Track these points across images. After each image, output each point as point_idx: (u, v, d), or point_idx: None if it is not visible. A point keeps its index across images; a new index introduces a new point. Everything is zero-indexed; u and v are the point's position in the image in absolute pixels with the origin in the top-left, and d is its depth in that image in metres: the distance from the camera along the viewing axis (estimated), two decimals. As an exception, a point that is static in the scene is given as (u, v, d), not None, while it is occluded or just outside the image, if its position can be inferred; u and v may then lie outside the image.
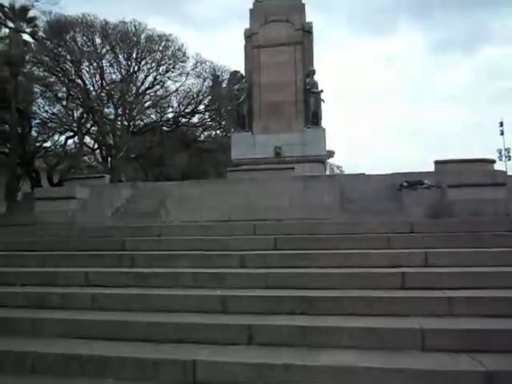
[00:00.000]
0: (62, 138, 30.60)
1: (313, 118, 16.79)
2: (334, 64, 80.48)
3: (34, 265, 7.66)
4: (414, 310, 5.27)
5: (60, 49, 28.29)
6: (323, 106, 17.14)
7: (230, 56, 71.33)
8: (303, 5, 17.90)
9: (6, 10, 28.30)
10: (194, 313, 5.60)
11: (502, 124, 37.67)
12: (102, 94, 29.96)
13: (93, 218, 11.74)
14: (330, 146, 17.40)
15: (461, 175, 10.62)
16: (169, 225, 9.71)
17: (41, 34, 29.51)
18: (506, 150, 37.45)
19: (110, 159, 30.57)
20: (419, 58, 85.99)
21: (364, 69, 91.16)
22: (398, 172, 12.51)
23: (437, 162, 13.18)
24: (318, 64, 17.69)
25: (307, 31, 17.57)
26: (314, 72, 17.13)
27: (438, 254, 6.67)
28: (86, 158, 33.13)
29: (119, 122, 30.38)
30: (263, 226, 8.44)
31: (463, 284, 5.77)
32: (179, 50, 30.72)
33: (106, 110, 30.55)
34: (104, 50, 29.72)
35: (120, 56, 30.02)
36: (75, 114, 30.10)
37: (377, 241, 7.34)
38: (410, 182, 11.69)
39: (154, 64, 30.53)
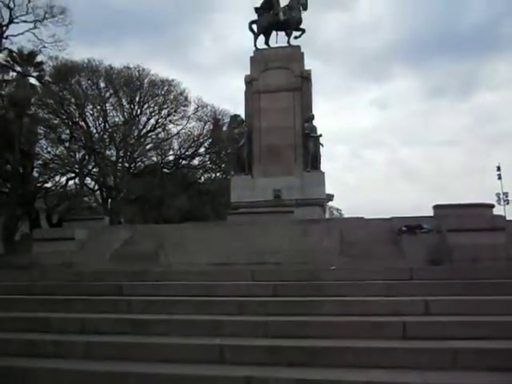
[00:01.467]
0: (63, 179, 30.75)
1: (312, 161, 16.90)
2: (332, 108, 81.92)
3: (29, 310, 7.49)
4: (416, 362, 5.11)
5: (65, 92, 28.84)
6: (322, 150, 17.36)
7: (231, 100, 72.99)
8: (302, 53, 18.35)
9: (15, 54, 29.05)
10: (191, 363, 5.42)
11: (499, 168, 37.88)
12: (105, 137, 30.32)
13: (91, 260, 11.63)
14: (329, 189, 17.45)
15: (460, 220, 10.59)
16: (166, 270, 9.57)
17: (47, 77, 30.17)
18: (504, 194, 37.50)
19: (109, 200, 30.57)
20: (415, 102, 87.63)
21: (361, 113, 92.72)
22: (397, 216, 12.49)
23: (436, 207, 13.17)
24: (316, 109, 18.04)
25: (306, 78, 17.95)
26: (312, 117, 17.37)
27: (438, 302, 6.53)
28: (86, 198, 33.14)
29: (120, 164, 30.57)
30: (262, 272, 8.31)
31: (465, 334, 5.61)
32: (181, 94, 31.36)
33: (108, 152, 30.82)
34: (108, 94, 30.31)
35: (123, 99, 30.61)
36: (77, 156, 30.35)
37: (377, 288, 7.21)
38: (409, 227, 11.65)
39: (156, 107, 31.06)
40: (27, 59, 29.77)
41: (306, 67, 18.20)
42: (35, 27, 26.40)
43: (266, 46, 19.00)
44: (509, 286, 7.04)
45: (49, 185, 31.48)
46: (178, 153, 33.01)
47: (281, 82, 17.76)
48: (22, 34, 26.39)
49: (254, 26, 18.90)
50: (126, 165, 30.84)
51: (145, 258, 11.38)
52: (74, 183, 31.43)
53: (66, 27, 26.72)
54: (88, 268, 10.60)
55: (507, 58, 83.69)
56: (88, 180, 32.08)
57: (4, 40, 26.47)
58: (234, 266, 9.77)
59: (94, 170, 31.27)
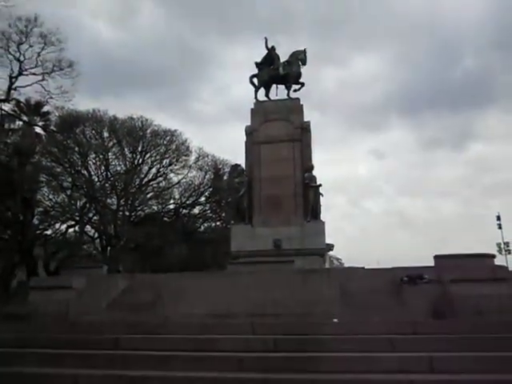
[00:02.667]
0: (63, 226, 30.60)
1: (312, 211, 16.83)
2: (331, 158, 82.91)
3: (21, 364, 7.19)
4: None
5: (69, 141, 29.21)
6: (322, 200, 17.30)
7: (231, 150, 74.12)
8: (301, 105, 18.67)
9: (22, 105, 29.66)
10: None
11: (499, 218, 37.70)
12: (106, 185, 30.44)
13: (88, 310, 11.34)
14: (328, 238, 17.26)
15: (462, 270, 10.42)
16: (164, 322, 9.29)
17: (52, 127, 30.67)
18: (505, 243, 37.13)
19: (109, 248, 30.30)
20: (411, 153, 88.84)
21: (359, 163, 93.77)
22: (398, 266, 12.27)
23: (436, 257, 12.98)
24: (315, 159, 18.15)
25: (305, 129, 18.16)
26: (312, 167, 17.46)
27: (443, 358, 6.29)
28: (85, 246, 32.87)
29: (121, 212, 30.54)
30: (262, 325, 8.06)
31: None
32: (183, 144, 31.78)
33: (109, 200, 30.86)
34: (111, 143, 30.71)
35: (126, 149, 30.97)
36: (78, 204, 30.34)
37: (380, 343, 6.97)
38: (411, 277, 11.42)
39: (158, 157, 31.39)
40: (34, 109, 30.43)
41: (306, 119, 18.47)
42: (43, 79, 27.07)
43: (266, 99, 19.37)
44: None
45: (48, 232, 31.34)
46: (179, 202, 33.07)
47: (281, 133, 17.98)
48: (31, 85, 27.04)
49: (255, 80, 19.35)
50: (127, 213, 30.81)
51: (143, 308, 11.10)
52: (74, 231, 31.27)
53: (73, 79, 27.35)
54: (85, 318, 10.30)
55: (499, 109, 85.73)
56: (88, 228, 31.96)
57: (13, 91, 27.08)
58: (234, 318, 9.50)
59: (95, 217, 31.19)
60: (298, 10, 78.86)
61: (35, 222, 30.41)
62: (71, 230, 30.98)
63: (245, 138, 18.55)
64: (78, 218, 29.69)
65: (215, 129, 77.46)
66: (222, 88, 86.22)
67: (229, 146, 71.49)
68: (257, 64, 19.51)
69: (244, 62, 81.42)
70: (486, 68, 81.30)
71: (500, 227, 37.40)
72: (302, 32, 73.62)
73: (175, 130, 31.79)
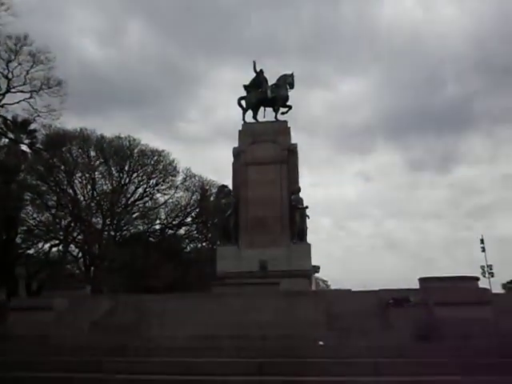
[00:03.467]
0: (47, 245, 30.14)
1: (298, 233, 16.83)
2: (317, 180, 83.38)
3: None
4: None
5: (55, 159, 28.96)
6: (308, 222, 17.31)
7: (218, 171, 74.15)
8: (288, 128, 18.83)
9: (9, 122, 29.42)
10: None
11: (482, 241, 37.99)
12: (92, 204, 30.16)
13: (70, 331, 11.07)
14: (315, 260, 17.22)
15: (447, 293, 10.44)
16: (147, 345, 9.10)
17: (39, 145, 30.44)
18: (488, 266, 37.38)
19: (92, 269, 29.84)
20: (397, 175, 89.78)
21: (346, 185, 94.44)
22: (385, 289, 12.26)
23: (421, 279, 13.02)
24: (302, 181, 18.23)
25: (292, 151, 18.28)
26: (299, 189, 17.52)
27: (427, 382, 6.24)
28: (68, 266, 32.34)
29: (106, 232, 30.21)
30: (248, 348, 7.95)
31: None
32: (170, 164, 31.77)
33: (94, 220, 30.53)
34: (98, 162, 30.57)
35: (113, 168, 30.84)
36: (63, 223, 29.95)
37: (365, 366, 6.90)
38: (397, 300, 11.41)
39: (144, 177, 31.31)
40: (20, 127, 30.19)
41: (293, 141, 18.62)
42: (31, 97, 26.96)
43: (254, 120, 19.50)
44: (499, 367, 6.80)
45: (31, 251, 30.80)
46: (165, 222, 32.91)
47: (268, 154, 18.07)
48: (18, 103, 26.91)
49: (243, 102, 19.52)
50: (112, 233, 30.49)
51: (126, 329, 10.88)
52: (58, 250, 30.80)
53: (61, 98, 27.27)
54: (66, 341, 10.06)
55: (481, 133, 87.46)
56: (72, 247, 31.51)
57: (0, 108, 26.89)
58: (219, 340, 9.35)
59: (79, 237, 30.79)
60: (285, 33, 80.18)
61: (18, 240, 29.90)
62: (54, 249, 30.53)
63: (232, 159, 18.61)
64: (61, 238, 29.27)
65: (203, 149, 77.57)
66: (210, 108, 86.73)
67: (216, 166, 71.57)
68: (245, 86, 19.71)
69: (231, 83, 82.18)
70: (468, 92, 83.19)
71: (483, 250, 37.72)
72: (289, 55, 74.58)
73: (162, 150, 31.84)
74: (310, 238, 17.09)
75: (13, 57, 25.93)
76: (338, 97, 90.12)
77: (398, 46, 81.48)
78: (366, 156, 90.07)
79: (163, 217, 33.07)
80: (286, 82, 19.29)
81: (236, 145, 18.66)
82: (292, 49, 78.50)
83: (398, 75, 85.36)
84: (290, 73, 19.44)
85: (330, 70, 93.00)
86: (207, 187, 33.47)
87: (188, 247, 35.17)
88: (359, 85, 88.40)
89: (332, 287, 45.31)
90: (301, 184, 17.84)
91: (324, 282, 45.80)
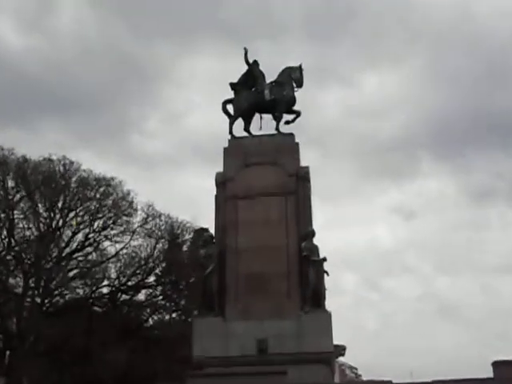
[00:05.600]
0: None
1: (313, 297, 16.74)
2: (336, 217, 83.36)
3: None
4: None
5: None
6: (327, 280, 17.26)
7: (194, 207, 73.56)
8: (296, 144, 19.01)
9: None
10: None
11: None
12: (8, 258, 30.00)
13: None
14: (337, 336, 17.09)
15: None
16: None
17: None
18: None
19: (8, 353, 29.45)
20: (452, 210, 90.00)
21: (377, 224, 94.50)
22: (442, 380, 12.23)
23: (496, 363, 13.01)
24: (317, 220, 18.26)
25: (302, 178, 18.38)
26: (312, 233, 17.53)
27: None
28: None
29: (29, 298, 29.95)
30: None
31: None
32: (124, 198, 31.86)
33: (12, 281, 30.35)
34: (18, 196, 30.60)
35: (40, 205, 30.88)
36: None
37: None
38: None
39: (86, 217, 31.34)
40: None
41: (303, 162, 18.82)
42: None
43: (246, 134, 19.73)
44: None
45: None
46: (116, 283, 32.77)
47: (267, 183, 18.13)
48: None
49: (230, 107, 19.74)
50: (38, 299, 30.20)
51: None
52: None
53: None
54: None
55: None
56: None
57: None
58: None
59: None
60: (284, 7, 79.52)
61: None
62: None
63: (215, 191, 18.71)
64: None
65: (170, 175, 77.87)
66: (178, 115, 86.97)
67: (190, 201, 71.22)
68: (233, 85, 19.95)
69: (209, 78, 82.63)
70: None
71: None
72: (291, 39, 75.68)
73: (112, 178, 32.04)
74: (329, 304, 17.06)
75: None
76: (362, 97, 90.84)
77: (444, 25, 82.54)
78: (404, 182, 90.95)
79: (114, 275, 33.03)
80: (292, 77, 19.59)
81: (220, 169, 18.81)
82: (295, 30, 79.51)
83: (445, 66, 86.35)
84: (296, 65, 19.77)
85: (350, 59, 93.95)
86: (178, 231, 33.46)
87: (151, 320, 34.91)
88: (391, 80, 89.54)
89: (364, 377, 44.88)
90: (315, 225, 17.96)
91: (352, 369, 45.44)
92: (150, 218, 32.76)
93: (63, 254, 31.24)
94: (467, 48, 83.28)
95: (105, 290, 33.16)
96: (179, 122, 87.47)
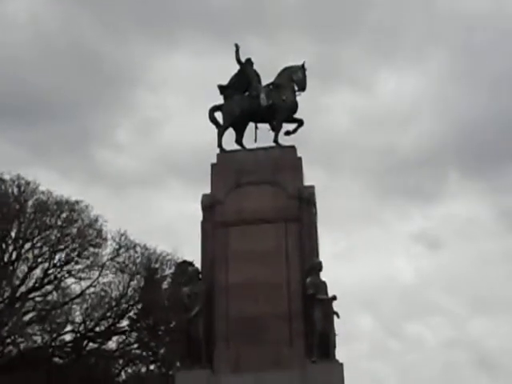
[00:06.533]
0: None
1: (320, 344, 16.52)
2: (347, 246, 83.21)
3: None
4: None
5: None
6: (337, 323, 17.10)
7: (175, 236, 73.31)
8: (299, 159, 18.98)
9: None
10: None
11: None
12: None
13: None
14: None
15: None
16: None
17: None
18: None
19: None
20: (488, 237, 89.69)
21: (396, 255, 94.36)
22: None
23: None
24: (324, 250, 18.16)
25: (306, 200, 18.29)
26: (319, 266, 17.38)
27: None
28: None
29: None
30: None
31: None
32: (91, 226, 31.79)
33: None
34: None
35: (-14, 235, 30.71)
36: None
37: None
38: None
39: (45, 249, 31.14)
40: None
41: (307, 181, 18.82)
42: None
43: (238, 147, 19.74)
44: None
45: None
46: (82, 328, 32.59)
47: (264, 206, 18.04)
48: None
49: (219, 115, 19.73)
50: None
51: None
52: None
53: None
54: None
55: None
56: None
57: None
58: None
59: None
60: None
61: None
62: None
63: (201, 216, 18.63)
64: None
65: (145, 197, 77.22)
66: (151, 125, 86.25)
67: (170, 228, 70.90)
68: (222, 89, 19.97)
69: (191, 78, 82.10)
70: None
71: None
72: (290, 32, 75.52)
73: (77, 202, 31.97)
74: (340, 353, 16.86)
75: None
76: (376, 103, 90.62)
77: (475, 16, 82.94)
78: (428, 205, 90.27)
79: (79, 319, 32.91)
80: (293, 79, 19.63)
81: (206, 189, 18.77)
82: (295, 21, 79.47)
83: (477, 65, 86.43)
84: (297, 64, 19.81)
85: (362, 57, 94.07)
86: (156, 265, 33.36)
87: (124, 373, 34.73)
88: (411, 82, 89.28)
89: None
90: (322, 256, 17.97)
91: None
92: (123, 250, 32.72)
93: (17, 294, 30.97)
94: (504, 44, 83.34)
95: (68, 337, 33.03)
96: (155, 132, 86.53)
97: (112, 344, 33.55)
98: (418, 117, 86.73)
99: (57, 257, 31.49)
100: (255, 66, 20.06)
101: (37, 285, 31.61)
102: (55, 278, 31.90)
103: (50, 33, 77.01)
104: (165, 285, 33.35)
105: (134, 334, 33.40)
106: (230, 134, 19.66)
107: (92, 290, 32.45)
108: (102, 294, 32.49)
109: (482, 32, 79.61)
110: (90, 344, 33.12)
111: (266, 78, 19.89)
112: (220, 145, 19.41)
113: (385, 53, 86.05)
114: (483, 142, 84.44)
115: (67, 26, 78.28)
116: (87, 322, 32.50)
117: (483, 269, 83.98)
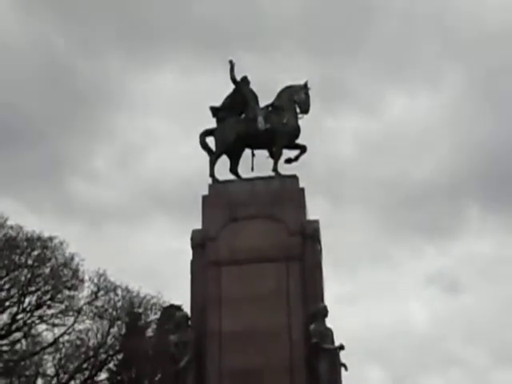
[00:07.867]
0: None
1: (327, 400, 16.52)
2: (359, 291, 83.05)
3: None
4: None
5: None
6: (345, 375, 17.12)
7: (160, 277, 73.05)
8: (301, 190, 19.03)
9: None
10: None
11: None
12: None
13: None
14: None
15: None
16: None
17: None
18: None
19: None
20: (508, 278, 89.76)
21: (411, 299, 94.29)
22: None
23: None
24: (330, 293, 18.11)
25: (310, 236, 18.31)
26: (324, 312, 17.36)
27: None
28: None
29: None
30: None
31: None
32: (65, 265, 31.75)
33: None
34: None
35: None
36: None
37: None
38: None
39: (14, 291, 31.04)
40: None
41: (310, 214, 18.90)
42: None
43: (233, 176, 19.79)
44: None
45: None
46: (55, 382, 32.38)
47: (262, 243, 18.02)
48: None
49: (211, 141, 19.78)
50: None
51: None
52: None
53: None
54: None
55: None
56: None
57: None
58: None
59: None
60: (277, 5, 79.10)
61: None
62: None
63: (190, 254, 18.62)
64: None
65: (125, 233, 76.99)
66: (132, 151, 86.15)
67: (155, 269, 70.69)
68: (214, 111, 20.05)
69: (174, 101, 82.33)
70: None
71: None
72: (289, 48, 75.85)
73: (50, 238, 31.92)
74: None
75: None
76: (386, 127, 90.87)
77: (494, 32, 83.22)
78: (445, 242, 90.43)
79: (51, 371, 32.66)
80: (295, 100, 19.67)
81: (197, 225, 18.74)
82: (295, 36, 79.78)
83: (498, 84, 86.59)
84: (300, 83, 19.89)
85: (370, 76, 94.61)
86: (140, 310, 33.26)
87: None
88: (425, 104, 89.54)
89: None
90: (327, 300, 18.04)
91: None
92: (102, 292, 32.69)
93: (-18, 343, 30.85)
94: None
95: (39, 392, 32.66)
96: (136, 160, 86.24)
97: (89, 400, 33.36)
98: (433, 143, 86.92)
99: (27, 300, 31.44)
100: (251, 85, 20.12)
101: (3, 332, 31.45)
102: (25, 324, 31.79)
103: (18, 50, 77.29)
104: (149, 332, 33.27)
105: (115, 388, 33.26)
106: (224, 162, 19.68)
107: (66, 337, 32.43)
108: (78, 342, 32.40)
109: (500, 48, 79.96)
110: (64, 400, 32.92)
111: (265, 99, 19.98)
112: (212, 174, 19.47)
113: (393, 71, 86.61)
114: (508, 170, 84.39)
115: (37, 41, 78.60)
116: (61, 375, 32.34)
117: (507, 315, 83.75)
